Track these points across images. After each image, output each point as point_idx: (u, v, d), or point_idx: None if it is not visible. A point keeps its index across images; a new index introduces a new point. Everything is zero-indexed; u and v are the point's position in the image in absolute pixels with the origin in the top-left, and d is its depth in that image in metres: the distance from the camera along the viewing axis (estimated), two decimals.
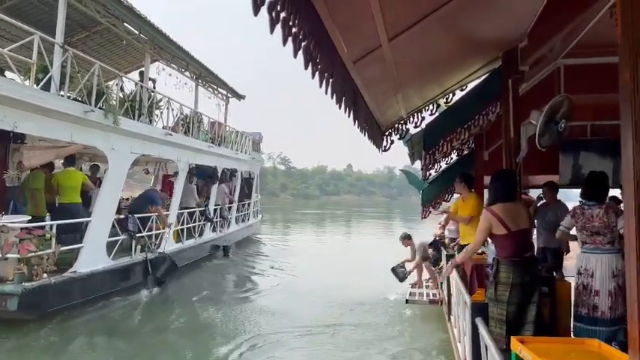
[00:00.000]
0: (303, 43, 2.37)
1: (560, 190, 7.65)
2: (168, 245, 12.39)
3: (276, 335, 8.14)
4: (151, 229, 11.69)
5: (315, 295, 11.23)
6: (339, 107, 3.53)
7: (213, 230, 16.52)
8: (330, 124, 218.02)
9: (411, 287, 10.38)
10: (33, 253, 7.90)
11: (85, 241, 9.33)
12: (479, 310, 4.03)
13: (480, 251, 6.15)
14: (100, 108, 9.50)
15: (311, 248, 21.54)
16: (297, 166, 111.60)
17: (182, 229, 13.86)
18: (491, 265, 4.25)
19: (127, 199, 15.47)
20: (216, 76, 17.41)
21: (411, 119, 6.90)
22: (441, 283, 8.94)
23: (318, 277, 13.54)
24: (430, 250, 10.31)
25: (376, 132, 6.10)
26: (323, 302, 10.45)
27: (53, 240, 8.42)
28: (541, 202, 7.51)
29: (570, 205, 6.39)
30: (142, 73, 13.33)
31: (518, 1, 4.23)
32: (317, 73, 2.68)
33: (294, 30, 2.23)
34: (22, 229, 7.87)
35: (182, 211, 14.03)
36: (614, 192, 5.69)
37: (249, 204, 22.04)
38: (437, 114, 6.86)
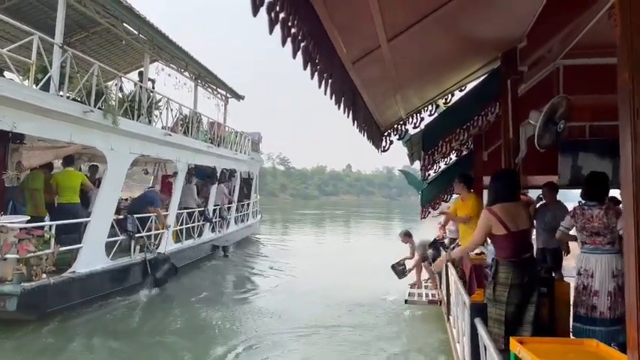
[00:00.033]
0: (302, 44, 2.37)
1: (559, 190, 7.65)
2: (168, 245, 12.38)
3: (275, 336, 8.14)
4: (150, 230, 11.68)
5: (314, 295, 11.23)
6: (338, 108, 3.53)
7: (213, 230, 16.51)
8: (329, 125, 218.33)
9: (410, 288, 10.37)
10: (32, 254, 7.89)
11: (84, 242, 9.33)
12: (478, 311, 4.03)
13: (479, 252, 6.16)
14: (99, 108, 9.50)
15: (310, 248, 21.54)
16: (296, 166, 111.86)
17: (181, 230, 13.86)
18: (490, 266, 4.25)
19: (126, 199, 15.46)
20: (216, 77, 17.41)
21: (410, 120, 6.90)
22: (440, 283, 8.95)
23: (317, 278, 13.54)
24: (430, 251, 10.30)
25: (375, 132, 6.10)
26: (322, 303, 10.45)
27: (52, 240, 8.42)
28: (541, 202, 7.51)
29: (569, 206, 6.41)
30: (141, 74, 13.32)
31: (517, 2, 4.23)
32: (316, 73, 2.68)
33: (293, 30, 2.23)
34: (21, 229, 7.87)
35: (181, 211, 14.03)
36: (613, 192, 5.69)
37: (248, 204, 22.04)
38: (436, 114, 6.86)
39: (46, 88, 8.37)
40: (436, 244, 10.09)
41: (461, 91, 6.86)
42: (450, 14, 3.75)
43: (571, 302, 4.79)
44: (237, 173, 19.94)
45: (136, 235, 11.00)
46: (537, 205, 7.59)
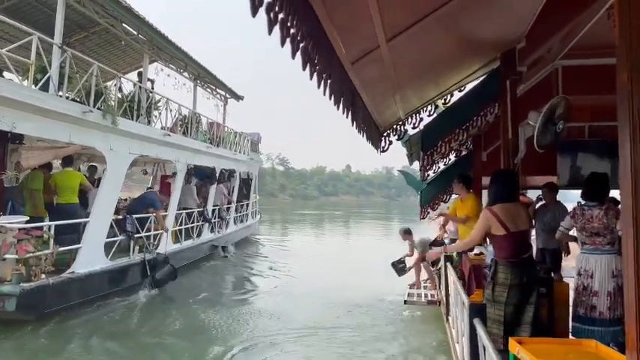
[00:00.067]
0: (301, 44, 2.37)
1: (559, 191, 7.66)
2: (167, 246, 12.36)
3: (274, 337, 8.13)
4: (149, 230, 11.67)
5: (314, 296, 11.22)
6: (337, 108, 3.53)
7: (212, 231, 16.50)
8: (329, 125, 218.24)
9: (409, 288, 10.37)
10: (31, 254, 7.89)
11: (83, 242, 9.32)
12: (477, 311, 4.04)
13: (477, 252, 6.16)
14: (98, 108, 9.49)
15: (309, 249, 21.53)
16: (295, 166, 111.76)
17: (180, 230, 13.85)
18: (490, 266, 4.25)
19: (126, 199, 15.45)
20: (215, 77, 17.41)
21: (410, 120, 6.91)
22: (439, 283, 8.94)
23: (316, 279, 13.53)
24: (430, 251, 10.29)
25: (374, 133, 6.10)
26: (321, 303, 10.45)
27: (51, 240, 8.41)
28: (540, 203, 7.51)
29: (569, 207, 6.41)
30: (140, 74, 13.31)
31: (516, 2, 4.24)
32: (315, 74, 2.69)
33: (292, 31, 2.23)
34: (20, 229, 7.87)
35: (180, 211, 14.03)
36: (613, 193, 5.70)
37: (247, 204, 22.03)
38: (435, 115, 6.86)
39: (45, 88, 8.37)
40: (437, 244, 10.06)
41: (460, 91, 6.87)
42: (449, 15, 3.75)
43: (570, 303, 4.80)
44: (236, 173, 19.93)
45: (135, 236, 10.99)
46: (537, 206, 7.60)
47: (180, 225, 13.92)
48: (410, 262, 10.79)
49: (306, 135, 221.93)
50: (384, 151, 6.79)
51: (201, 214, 15.45)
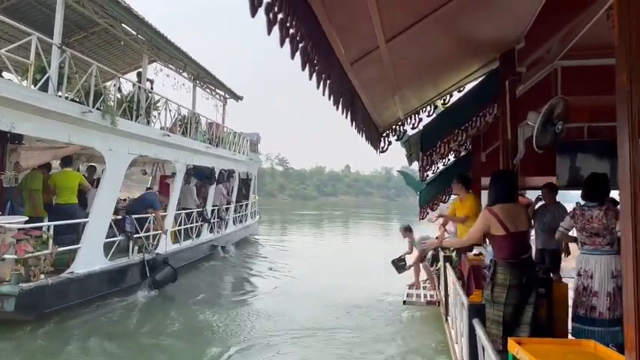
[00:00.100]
0: (300, 45, 2.37)
1: (558, 191, 7.67)
2: (166, 246, 12.36)
3: (272, 338, 8.10)
4: (148, 230, 11.66)
5: (312, 297, 11.21)
6: (337, 108, 3.53)
7: (211, 231, 16.50)
8: (328, 125, 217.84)
9: (409, 288, 10.37)
10: (30, 254, 7.89)
11: (83, 242, 9.31)
12: (476, 312, 4.04)
13: (477, 252, 6.17)
14: (97, 109, 9.49)
15: (309, 249, 21.51)
16: (294, 167, 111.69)
17: (179, 230, 13.85)
18: (489, 267, 4.26)
19: (125, 199, 15.44)
20: (214, 77, 17.41)
21: (409, 120, 6.91)
22: (438, 284, 8.95)
23: (315, 279, 13.52)
24: (431, 251, 10.29)
25: (374, 133, 6.11)
26: (320, 304, 10.44)
27: (50, 241, 8.40)
28: (540, 203, 7.52)
29: (568, 207, 6.41)
30: (139, 74, 13.31)
31: (515, 3, 4.24)
32: (314, 74, 2.69)
33: (291, 31, 2.23)
34: (19, 229, 7.86)
35: (180, 212, 14.02)
36: (613, 193, 5.71)
37: (246, 205, 22.03)
38: (434, 115, 6.87)
39: (44, 88, 8.36)
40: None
41: (459, 92, 6.87)
42: (448, 15, 3.76)
43: (569, 303, 4.81)
44: (235, 174, 19.93)
45: (135, 236, 10.98)
46: (536, 207, 7.60)
47: (180, 225, 13.92)
48: (410, 260, 10.80)
49: (306, 135, 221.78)
50: (383, 152, 6.80)
51: (200, 214, 15.45)
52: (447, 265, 7.07)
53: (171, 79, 15.68)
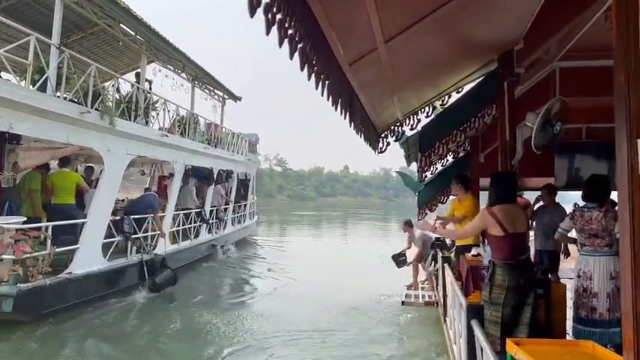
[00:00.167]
0: (299, 45, 2.37)
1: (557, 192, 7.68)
2: (164, 247, 12.35)
3: (270, 340, 8.07)
4: (146, 231, 11.65)
5: (311, 298, 11.20)
6: (335, 109, 3.54)
7: (209, 232, 16.49)
8: (327, 125, 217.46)
9: (407, 289, 10.37)
10: (28, 255, 7.88)
11: (81, 243, 9.30)
12: (474, 312, 4.04)
13: (475, 253, 6.17)
14: (96, 109, 9.48)
15: (307, 250, 21.49)
16: (293, 167, 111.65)
17: (178, 231, 13.84)
18: (487, 268, 4.26)
19: (123, 200, 15.43)
20: (213, 78, 17.40)
21: (407, 121, 6.92)
22: (437, 284, 8.95)
23: (314, 280, 13.50)
24: (432, 252, 10.29)
25: (372, 134, 6.11)
26: (318, 305, 10.41)
27: (48, 241, 8.39)
28: (539, 204, 7.54)
29: (567, 208, 6.42)
30: (138, 75, 13.31)
31: (514, 4, 4.24)
32: (313, 74, 2.69)
33: (290, 32, 2.24)
34: (17, 230, 7.85)
35: (178, 212, 14.02)
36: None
37: (245, 205, 22.03)
38: (433, 116, 6.88)
39: (43, 88, 8.35)
40: (439, 245, 10.03)
41: (458, 92, 6.88)
42: (447, 16, 3.76)
43: (567, 304, 4.82)
44: (234, 174, 19.93)
45: (133, 236, 10.97)
46: (535, 207, 7.61)
47: (178, 226, 13.91)
48: (411, 257, 10.81)
49: (306, 135, 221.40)
50: (381, 152, 6.80)
51: (198, 214, 15.44)
52: (446, 265, 7.08)
53: (170, 80, 15.71)
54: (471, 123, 5.72)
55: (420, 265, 10.67)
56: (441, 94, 6.84)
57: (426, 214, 9.65)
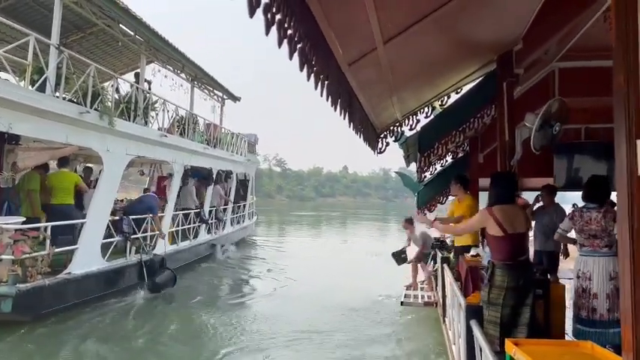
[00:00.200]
0: (298, 45, 2.37)
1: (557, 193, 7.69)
2: (163, 247, 12.34)
3: (269, 341, 8.03)
4: (145, 231, 11.65)
5: (310, 298, 11.18)
6: (335, 109, 3.54)
7: (209, 232, 16.49)
8: (329, 125, 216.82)
9: (406, 289, 10.38)
10: (27, 255, 7.87)
11: (80, 243, 9.30)
12: (473, 313, 4.04)
13: (474, 253, 6.18)
14: (95, 109, 9.47)
15: (306, 250, 21.50)
16: (292, 167, 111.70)
17: (177, 231, 13.84)
18: (486, 268, 4.26)
19: (122, 200, 15.42)
20: (212, 78, 17.39)
21: (406, 121, 6.92)
22: (436, 285, 8.95)
23: (313, 280, 13.49)
24: (432, 252, 10.30)
25: (371, 134, 6.11)
26: (317, 306, 10.40)
27: (47, 241, 8.39)
28: (539, 204, 7.54)
29: (566, 208, 6.42)
30: (137, 75, 13.31)
31: (513, 5, 4.25)
32: (312, 75, 2.69)
33: (289, 32, 2.24)
34: (16, 230, 7.84)
35: (177, 212, 14.02)
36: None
37: (244, 205, 22.02)
38: (432, 116, 6.88)
39: (42, 89, 8.35)
40: (440, 245, 10.03)
41: (457, 93, 6.88)
42: (446, 17, 3.76)
43: (566, 304, 4.82)
44: (233, 175, 19.94)
45: (132, 237, 10.97)
46: (535, 207, 7.62)
47: (178, 226, 13.90)
48: (411, 254, 10.81)
49: (307, 135, 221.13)
50: (380, 153, 6.81)
51: (198, 215, 15.44)
52: (445, 266, 7.08)
53: (169, 80, 15.68)
54: (470, 123, 5.73)
55: (419, 265, 10.67)
56: (440, 94, 6.84)
57: (425, 214, 9.65)
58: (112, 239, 10.42)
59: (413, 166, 6.86)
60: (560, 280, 5.54)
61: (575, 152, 8.19)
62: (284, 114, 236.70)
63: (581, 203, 4.87)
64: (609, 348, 3.61)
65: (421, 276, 10.76)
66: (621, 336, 2.20)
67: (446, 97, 7.00)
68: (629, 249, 2.08)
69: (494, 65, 5.52)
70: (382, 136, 6.85)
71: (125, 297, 10.19)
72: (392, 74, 4.53)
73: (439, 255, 8.50)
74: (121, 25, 11.73)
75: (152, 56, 13.90)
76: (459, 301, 4.80)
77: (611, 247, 4.44)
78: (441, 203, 9.85)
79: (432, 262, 9.98)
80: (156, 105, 13.14)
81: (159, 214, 12.40)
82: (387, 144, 6.88)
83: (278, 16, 2.07)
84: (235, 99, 20.70)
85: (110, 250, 10.26)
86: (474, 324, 3.83)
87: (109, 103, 10.27)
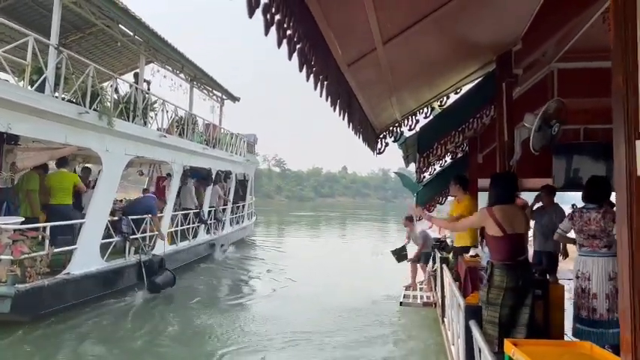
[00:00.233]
0: (297, 46, 2.37)
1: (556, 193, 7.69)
2: (162, 247, 12.34)
3: (267, 342, 7.99)
4: (144, 231, 11.64)
5: (309, 299, 11.17)
6: (334, 110, 3.54)
7: (208, 232, 16.49)
8: (327, 126, 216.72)
9: (405, 290, 10.38)
10: (26, 255, 7.86)
11: (79, 243, 9.29)
12: (472, 313, 4.04)
13: (473, 254, 6.18)
14: (94, 109, 9.47)
15: (306, 251, 21.49)
16: (292, 168, 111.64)
17: (176, 231, 13.84)
18: (485, 269, 4.27)
19: (121, 200, 15.41)
20: (211, 78, 17.38)
21: (406, 122, 6.92)
22: (435, 285, 8.95)
23: (312, 281, 13.47)
24: (431, 252, 10.30)
25: (370, 135, 6.12)
26: (316, 307, 10.38)
27: (46, 242, 8.38)
28: (538, 204, 7.55)
29: (565, 209, 6.42)
30: (136, 75, 13.31)
31: (512, 5, 4.25)
32: (311, 75, 2.69)
33: (288, 32, 2.24)
34: (15, 230, 7.84)
35: (176, 213, 14.02)
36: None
37: (243, 206, 22.02)
38: (431, 117, 6.89)
39: (41, 89, 8.34)
40: (442, 245, 10.01)
41: (456, 93, 6.89)
42: (445, 17, 3.76)
43: (565, 305, 4.82)
44: (232, 175, 19.93)
45: (131, 237, 10.96)
46: (534, 207, 7.63)
47: (177, 226, 13.90)
48: (410, 252, 10.81)
49: (306, 135, 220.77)
50: (380, 153, 6.82)
51: (197, 215, 15.44)
52: (444, 266, 7.08)
53: (169, 80, 15.67)
54: (470, 124, 5.74)
55: (418, 265, 10.68)
56: (440, 94, 6.84)
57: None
58: (111, 239, 10.41)
59: (412, 167, 6.87)
60: (560, 281, 5.54)
61: (574, 153, 8.20)
62: (283, 114, 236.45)
63: (580, 204, 4.88)
64: (608, 348, 3.61)
65: (420, 276, 10.76)
66: (620, 336, 2.20)
67: (445, 98, 7.01)
68: (628, 249, 2.08)
69: (493, 66, 5.52)
70: (381, 136, 6.86)
71: (124, 297, 10.18)
72: (391, 75, 4.54)
73: (438, 255, 8.51)
74: (120, 26, 11.72)
75: (151, 56, 13.89)
76: (458, 301, 4.80)
77: (611, 248, 4.45)
78: (440, 204, 9.86)
79: (431, 263, 9.98)
80: (155, 105, 13.12)
81: (158, 215, 12.38)
82: (387, 144, 6.89)
83: (277, 17, 2.07)
84: (234, 99, 20.69)
85: (109, 250, 10.25)
86: (472, 324, 3.83)
87: (108, 104, 10.27)
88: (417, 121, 6.87)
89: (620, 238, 2.16)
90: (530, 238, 6.78)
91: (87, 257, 9.48)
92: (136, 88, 11.97)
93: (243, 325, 9.06)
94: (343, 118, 3.91)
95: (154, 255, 11.48)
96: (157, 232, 12.07)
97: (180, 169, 14.17)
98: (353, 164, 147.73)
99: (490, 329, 3.92)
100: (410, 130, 6.89)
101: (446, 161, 9.13)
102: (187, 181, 15.50)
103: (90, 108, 9.31)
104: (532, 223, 7.22)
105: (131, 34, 12.19)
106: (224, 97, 20.12)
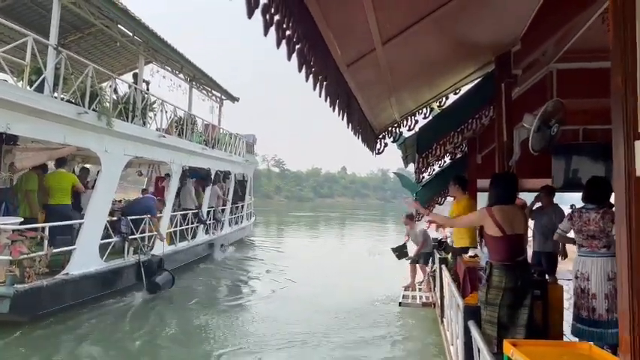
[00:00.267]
0: (297, 46, 2.37)
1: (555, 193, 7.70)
2: (161, 248, 12.33)
3: (267, 343, 7.99)
4: (143, 232, 11.63)
5: (308, 299, 11.16)
6: (333, 110, 3.54)
7: (207, 233, 16.48)
8: (327, 126, 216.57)
9: (404, 290, 10.38)
10: (25, 255, 7.86)
11: (78, 243, 9.28)
12: (471, 313, 4.04)
13: (472, 254, 6.18)
14: (93, 110, 9.47)
15: (305, 251, 21.49)
16: (291, 168, 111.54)
17: (175, 232, 13.83)
18: (484, 269, 4.27)
19: (120, 201, 15.40)
20: (211, 79, 17.38)
21: (405, 122, 6.92)
22: (434, 285, 8.95)
23: (311, 281, 13.47)
24: (430, 252, 10.31)
25: (370, 135, 6.11)
26: (316, 307, 10.38)
27: (45, 242, 8.37)
28: (538, 204, 7.55)
29: (565, 209, 6.43)
30: (135, 75, 13.30)
31: (511, 6, 4.25)
32: (311, 75, 2.69)
33: (288, 33, 2.24)
34: (14, 230, 7.83)
35: (175, 213, 14.01)
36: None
37: (242, 206, 22.01)
38: (430, 117, 6.88)
39: (40, 89, 8.34)
40: (443, 246, 10.02)
41: (455, 94, 6.88)
42: (444, 18, 3.76)
43: (564, 305, 4.83)
44: (231, 175, 19.92)
45: (130, 237, 10.95)
46: (534, 208, 7.63)
47: (176, 227, 13.89)
48: (411, 250, 10.82)
49: (306, 135, 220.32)
50: (379, 154, 6.81)
51: (196, 215, 15.43)
52: (443, 266, 7.08)
53: (168, 81, 15.67)
54: (469, 124, 5.74)
55: (418, 266, 10.68)
56: (439, 95, 6.84)
57: (423, 215, 9.65)
58: (110, 240, 10.40)
59: (411, 167, 6.86)
60: (559, 281, 5.55)
61: (574, 153, 8.20)
62: (282, 115, 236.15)
63: (579, 204, 4.89)
64: (607, 349, 3.62)
65: (419, 277, 10.76)
66: (619, 336, 2.20)
67: (444, 98, 7.01)
68: (627, 250, 2.08)
69: (492, 66, 5.52)
70: (380, 137, 6.86)
71: (123, 298, 10.18)
72: (390, 75, 4.54)
73: (437, 255, 8.51)
74: (119, 26, 11.72)
75: (150, 57, 13.90)
76: (457, 301, 4.80)
77: (610, 248, 4.45)
78: (440, 204, 9.86)
79: (430, 263, 9.98)
80: (154, 105, 13.11)
81: (157, 215, 12.37)
82: (386, 145, 6.88)
83: (276, 17, 2.07)
84: (234, 99, 20.69)
85: (108, 250, 10.25)
86: (471, 325, 3.83)
87: (107, 104, 10.26)
88: (416, 122, 6.87)
89: (619, 239, 2.16)
90: (530, 239, 6.79)
91: (86, 257, 9.47)
92: (135, 89, 11.96)
93: (242, 325, 9.06)
94: (342, 119, 3.91)
95: (153, 255, 11.48)
96: (156, 233, 12.07)
97: (180, 170, 14.16)
98: (352, 165, 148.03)
99: (489, 329, 3.92)
100: (409, 130, 6.89)
101: (445, 162, 9.13)
102: (186, 182, 15.49)
103: (89, 108, 9.31)
104: (531, 223, 7.21)
105: (130, 34, 12.19)
106: (223, 97, 20.13)
